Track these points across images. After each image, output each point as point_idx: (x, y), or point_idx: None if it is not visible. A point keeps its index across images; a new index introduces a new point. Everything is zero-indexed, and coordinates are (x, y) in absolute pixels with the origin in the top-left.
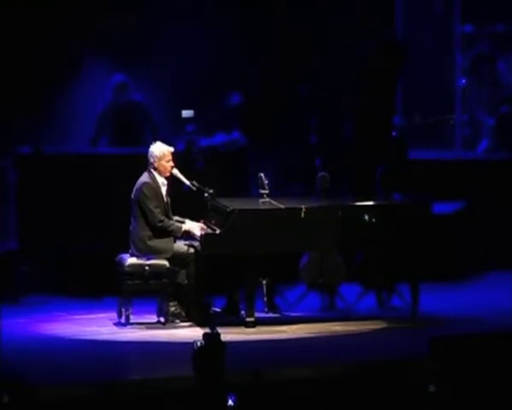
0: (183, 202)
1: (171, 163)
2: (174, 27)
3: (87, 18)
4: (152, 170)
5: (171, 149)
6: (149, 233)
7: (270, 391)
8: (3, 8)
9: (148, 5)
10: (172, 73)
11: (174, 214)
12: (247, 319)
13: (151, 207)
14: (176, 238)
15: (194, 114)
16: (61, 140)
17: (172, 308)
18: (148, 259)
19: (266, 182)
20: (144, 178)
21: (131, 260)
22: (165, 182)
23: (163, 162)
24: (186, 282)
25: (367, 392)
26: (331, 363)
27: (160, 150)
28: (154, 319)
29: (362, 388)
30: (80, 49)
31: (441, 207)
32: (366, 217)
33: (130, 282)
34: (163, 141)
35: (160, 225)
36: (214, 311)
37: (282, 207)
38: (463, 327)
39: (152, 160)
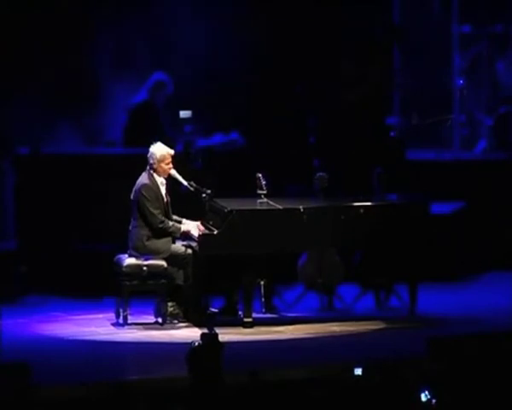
0: (180, 202)
1: (171, 166)
2: (173, 27)
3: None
4: (151, 171)
5: (172, 152)
6: (148, 233)
7: (268, 392)
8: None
9: (148, 5)
10: (171, 72)
11: (173, 214)
12: (245, 320)
13: (151, 209)
14: (174, 239)
15: (192, 114)
16: (60, 140)
17: (170, 309)
18: (146, 259)
19: (264, 182)
20: (143, 179)
21: (129, 261)
22: (164, 181)
23: (162, 165)
24: (184, 282)
25: (365, 392)
26: (329, 363)
27: (160, 152)
28: (151, 319)
29: (360, 388)
30: (81, 49)
31: (439, 208)
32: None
33: (128, 282)
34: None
35: (160, 226)
36: (212, 311)
37: (280, 207)
38: (462, 327)
39: (152, 161)
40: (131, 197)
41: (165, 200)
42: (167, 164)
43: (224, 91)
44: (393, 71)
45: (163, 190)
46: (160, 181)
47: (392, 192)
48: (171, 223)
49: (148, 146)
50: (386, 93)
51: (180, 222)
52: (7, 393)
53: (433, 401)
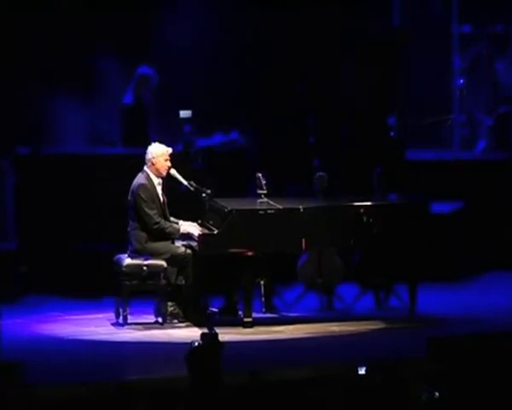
0: (180, 202)
1: (169, 163)
2: (173, 27)
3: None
4: (147, 170)
5: (170, 150)
6: (147, 235)
7: (268, 392)
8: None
9: (148, 6)
10: (171, 72)
11: (171, 215)
12: (245, 320)
13: (147, 210)
14: (173, 239)
15: (192, 114)
16: (60, 140)
17: (170, 309)
18: (146, 259)
19: (264, 182)
20: (139, 179)
21: (129, 261)
22: (161, 181)
23: (161, 159)
24: (184, 282)
25: (365, 392)
26: (329, 363)
27: (159, 148)
28: (151, 319)
29: (360, 388)
30: (81, 49)
31: (439, 208)
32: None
33: (127, 282)
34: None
35: (155, 227)
36: (211, 311)
37: (280, 207)
38: (462, 327)
39: (150, 156)
40: (128, 198)
41: (162, 200)
42: (166, 160)
43: (224, 91)
44: (394, 71)
45: (159, 190)
46: (157, 181)
47: (392, 192)
48: (168, 224)
49: (144, 146)
50: (387, 93)
51: (177, 224)
52: (2, 392)
53: (436, 393)
